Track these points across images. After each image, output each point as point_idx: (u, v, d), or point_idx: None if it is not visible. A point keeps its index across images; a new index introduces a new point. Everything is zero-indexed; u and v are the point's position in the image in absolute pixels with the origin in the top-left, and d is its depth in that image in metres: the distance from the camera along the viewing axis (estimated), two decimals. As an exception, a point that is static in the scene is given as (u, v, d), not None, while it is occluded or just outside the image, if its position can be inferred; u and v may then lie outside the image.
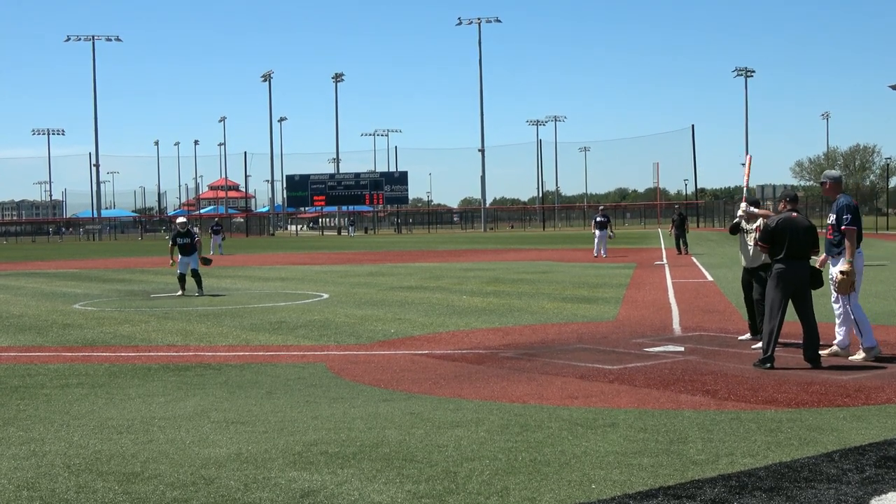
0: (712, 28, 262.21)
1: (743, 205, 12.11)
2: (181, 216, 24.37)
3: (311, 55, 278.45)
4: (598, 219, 36.83)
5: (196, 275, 22.09)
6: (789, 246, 10.23)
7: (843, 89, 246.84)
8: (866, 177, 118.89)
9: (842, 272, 10.41)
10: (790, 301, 10.31)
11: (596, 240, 36.64)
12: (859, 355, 10.52)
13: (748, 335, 12.28)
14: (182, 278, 22.07)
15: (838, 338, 10.81)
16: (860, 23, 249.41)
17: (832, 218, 10.70)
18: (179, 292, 21.85)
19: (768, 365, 10.03)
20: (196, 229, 23.48)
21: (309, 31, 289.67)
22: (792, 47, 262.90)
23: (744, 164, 12.14)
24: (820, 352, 10.62)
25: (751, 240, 11.93)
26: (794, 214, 10.45)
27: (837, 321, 10.83)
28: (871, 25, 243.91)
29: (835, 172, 11.27)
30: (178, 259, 22.27)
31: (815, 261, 10.75)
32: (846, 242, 10.45)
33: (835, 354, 10.71)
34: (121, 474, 6.22)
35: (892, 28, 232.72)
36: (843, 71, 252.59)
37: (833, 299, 10.86)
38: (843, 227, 10.46)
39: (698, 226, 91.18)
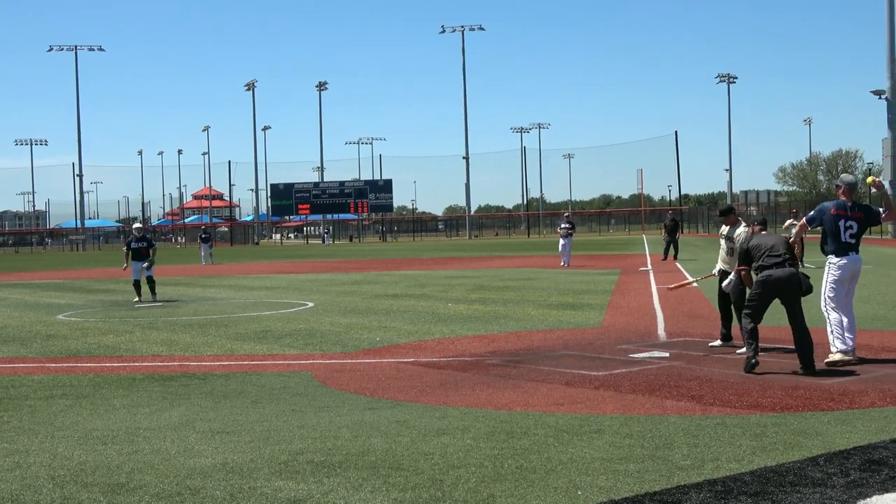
0: (695, 35, 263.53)
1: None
2: (136, 224, 25.67)
3: (294, 64, 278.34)
4: (564, 225, 35.63)
5: (150, 281, 22.90)
6: (766, 255, 10.43)
7: (825, 95, 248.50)
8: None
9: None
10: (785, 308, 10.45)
11: (560, 248, 35.37)
12: (835, 357, 10.56)
13: (718, 342, 12.29)
14: (137, 284, 22.81)
15: (843, 345, 10.83)
16: (842, 29, 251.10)
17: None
18: (136, 298, 22.64)
19: (753, 361, 10.13)
20: (149, 235, 24.98)
21: (292, 40, 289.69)
22: (774, 53, 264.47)
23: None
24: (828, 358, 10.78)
25: (723, 249, 12.28)
26: (764, 232, 11.03)
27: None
28: (852, 31, 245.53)
29: (849, 178, 11.30)
30: (132, 266, 23.04)
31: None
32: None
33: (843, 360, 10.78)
34: (105, 485, 6.20)
35: (874, 33, 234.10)
36: (825, 76, 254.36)
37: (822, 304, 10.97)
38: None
39: (683, 231, 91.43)
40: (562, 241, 35.44)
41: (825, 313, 10.78)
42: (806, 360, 10.16)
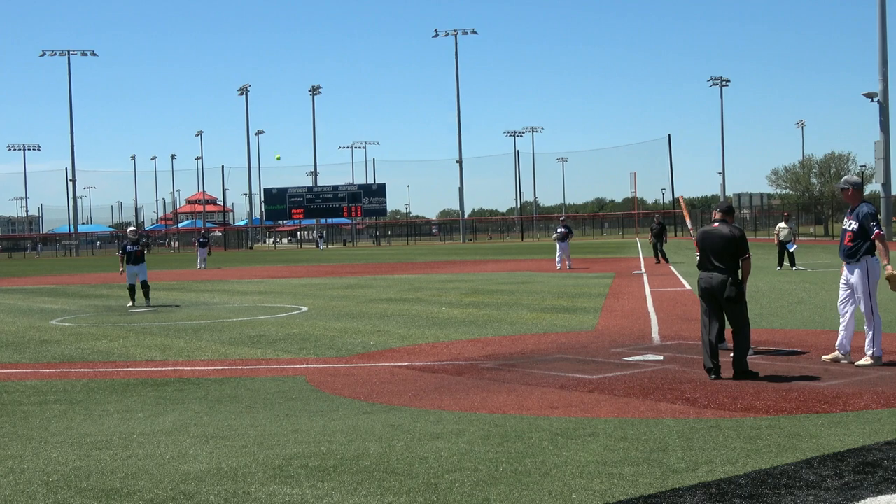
0: (688, 38, 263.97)
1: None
2: (130, 227, 25.62)
3: (287, 68, 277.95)
4: (560, 229, 35.56)
5: (144, 286, 22.76)
6: (703, 256, 10.37)
7: (817, 98, 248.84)
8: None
9: (888, 277, 10.55)
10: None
11: (558, 251, 35.58)
12: (865, 360, 10.60)
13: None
14: (132, 289, 22.77)
15: (838, 342, 10.88)
16: (834, 32, 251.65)
17: (853, 225, 10.74)
18: (130, 303, 22.58)
19: (712, 376, 9.96)
20: (144, 239, 25.04)
21: (285, 45, 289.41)
22: (767, 57, 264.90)
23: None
24: (823, 357, 10.76)
25: None
26: (716, 225, 10.50)
27: (842, 324, 10.90)
28: (844, 34, 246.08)
29: (855, 178, 11.26)
30: (127, 270, 22.88)
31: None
32: (878, 247, 10.58)
33: (836, 360, 10.81)
34: (100, 491, 6.18)
35: (866, 37, 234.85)
36: (817, 79, 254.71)
37: (839, 300, 11.00)
38: (873, 236, 10.56)
39: (676, 235, 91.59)
40: (559, 245, 35.37)
41: (875, 316, 10.67)
42: (736, 366, 10.06)
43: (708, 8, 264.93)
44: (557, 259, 35.55)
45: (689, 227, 13.40)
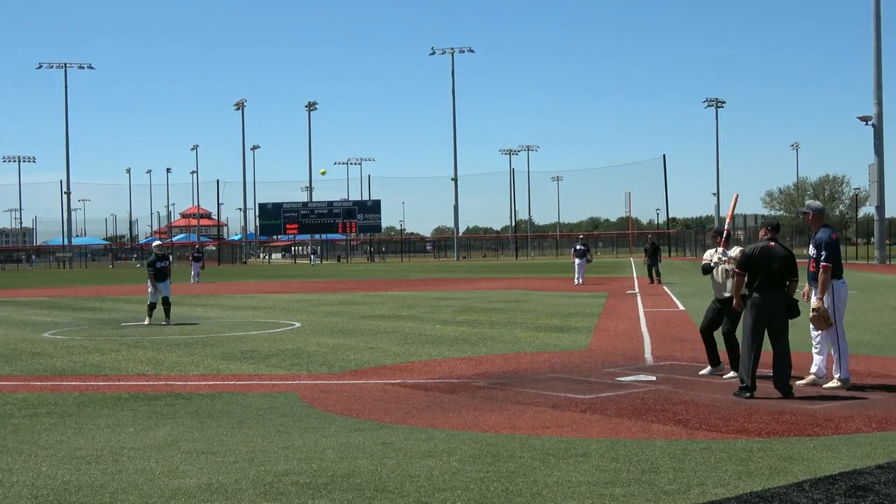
0: (683, 59, 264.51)
1: (720, 250, 11.99)
2: (155, 241, 24.44)
3: (284, 84, 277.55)
4: (578, 247, 38.57)
5: (166, 302, 21.98)
6: (764, 275, 10.34)
7: (812, 120, 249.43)
8: (836, 207, 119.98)
9: (813, 309, 10.56)
10: (766, 330, 10.41)
11: (576, 267, 37.89)
12: (833, 384, 10.64)
13: (708, 369, 12.16)
14: (153, 307, 21.86)
15: (815, 367, 10.93)
16: (829, 55, 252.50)
17: (812, 251, 10.84)
18: (147, 321, 21.64)
19: (748, 394, 10.09)
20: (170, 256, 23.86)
21: (283, 60, 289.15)
22: (762, 79, 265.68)
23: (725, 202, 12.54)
24: (798, 381, 10.75)
25: (719, 274, 12.01)
26: (772, 244, 10.55)
27: (815, 349, 10.97)
28: (840, 58, 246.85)
29: (817, 203, 11.31)
30: (156, 286, 21.94)
31: (798, 293, 10.83)
32: (820, 279, 10.59)
33: (813, 383, 10.82)
34: (89, 505, 6.15)
35: (861, 60, 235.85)
36: (812, 102, 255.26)
37: (812, 327, 11.03)
38: (821, 267, 10.61)
39: (670, 255, 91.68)
40: (577, 262, 37.92)
41: (839, 338, 10.73)
42: (783, 384, 10.17)
43: (704, 30, 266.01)
44: (577, 276, 37.72)
45: (722, 246, 12.09)
